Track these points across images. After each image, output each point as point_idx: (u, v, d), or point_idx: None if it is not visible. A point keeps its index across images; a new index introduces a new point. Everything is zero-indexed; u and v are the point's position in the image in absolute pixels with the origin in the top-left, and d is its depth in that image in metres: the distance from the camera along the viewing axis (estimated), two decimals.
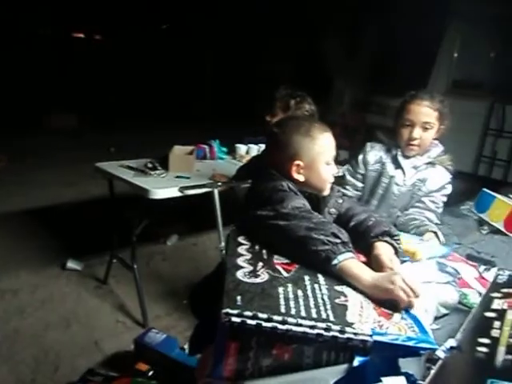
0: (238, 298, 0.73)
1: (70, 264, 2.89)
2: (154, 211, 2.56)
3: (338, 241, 0.90)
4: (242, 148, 3.11)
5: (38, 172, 4.93)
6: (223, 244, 2.21)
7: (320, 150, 1.15)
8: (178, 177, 2.47)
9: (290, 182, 1.10)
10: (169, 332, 2.25)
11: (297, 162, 1.14)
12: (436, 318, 1.14)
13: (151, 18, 9.23)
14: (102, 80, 8.51)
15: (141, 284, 2.48)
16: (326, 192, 1.19)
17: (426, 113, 1.68)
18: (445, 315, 1.17)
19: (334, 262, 0.87)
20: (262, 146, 3.16)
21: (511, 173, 5.02)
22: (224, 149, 3.10)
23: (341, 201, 1.25)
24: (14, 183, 4.53)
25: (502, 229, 1.75)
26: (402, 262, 1.21)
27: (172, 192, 2.24)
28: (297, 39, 8.46)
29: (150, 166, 2.56)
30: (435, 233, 1.53)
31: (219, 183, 2.32)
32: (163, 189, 2.22)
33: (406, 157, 1.78)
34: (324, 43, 8.22)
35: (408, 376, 0.74)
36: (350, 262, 0.89)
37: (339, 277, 0.88)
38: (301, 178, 1.15)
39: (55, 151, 5.81)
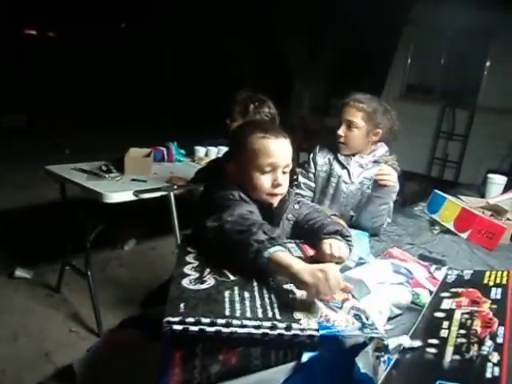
0: (181, 305, 0.70)
1: (19, 272, 2.74)
2: (110, 215, 2.47)
3: (267, 236, 0.88)
4: (200, 150, 3.07)
5: None
6: None
7: (250, 155, 1.09)
8: (133, 180, 2.39)
9: (241, 191, 1.07)
10: None
11: (230, 166, 1.13)
12: (389, 319, 1.16)
13: (109, 15, 8.98)
14: (54, 79, 8.18)
15: (95, 292, 2.38)
16: (274, 203, 1.14)
17: (349, 112, 1.79)
18: (398, 315, 1.18)
19: (265, 254, 0.84)
20: (222, 149, 3.14)
21: (462, 174, 5.25)
22: (182, 151, 3.05)
23: (297, 206, 1.24)
24: None
25: (452, 229, 1.81)
26: (359, 263, 1.22)
27: (127, 196, 2.17)
28: (257, 40, 8.49)
29: (104, 168, 2.48)
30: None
31: (175, 186, 2.27)
32: (117, 192, 2.15)
33: (348, 156, 1.85)
34: (284, 45, 8.31)
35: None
36: (280, 253, 0.85)
37: (270, 269, 0.85)
38: (235, 182, 1.11)
39: (4, 152, 5.51)
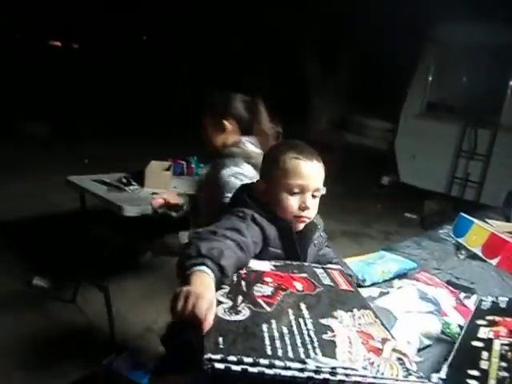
0: (220, 339, 0.67)
1: (36, 281, 2.75)
2: (128, 227, 2.47)
3: (196, 254, 0.84)
4: None
5: (3, 181, 4.72)
6: None
7: (281, 173, 1.07)
8: (153, 193, 2.39)
9: (259, 212, 1.05)
10: (137, 356, 2.15)
11: (260, 181, 1.13)
12: (419, 350, 1.11)
13: (131, 28, 9.18)
14: (77, 89, 8.35)
15: (111, 304, 2.36)
16: (298, 227, 1.10)
17: None
18: (427, 346, 1.14)
19: (189, 272, 0.81)
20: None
21: (483, 194, 5.14)
22: (201, 165, 3.04)
23: (324, 235, 1.22)
24: None
25: (480, 254, 1.75)
26: (383, 293, 1.18)
27: (146, 210, 2.16)
28: (275, 54, 8.56)
29: (124, 181, 2.49)
30: None
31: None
32: (137, 206, 2.14)
33: None
34: (303, 60, 8.36)
35: None
36: (198, 273, 0.80)
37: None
38: (263, 199, 1.10)
39: (26, 160, 5.61)
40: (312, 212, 1.10)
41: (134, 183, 2.46)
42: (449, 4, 5.32)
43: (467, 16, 4.95)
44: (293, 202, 1.08)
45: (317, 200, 1.11)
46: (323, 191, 1.12)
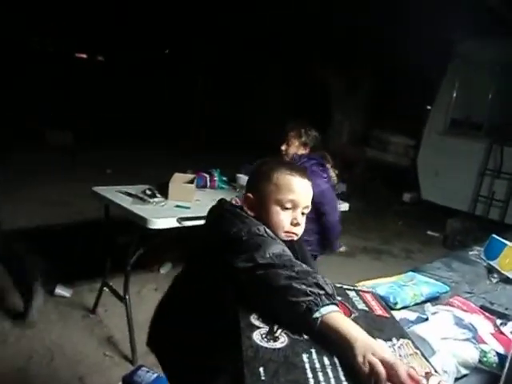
0: (261, 370, 0.65)
1: (59, 290, 2.77)
2: (150, 239, 2.47)
3: (322, 292, 0.81)
4: (242, 178, 3.05)
5: (29, 188, 4.82)
6: None
7: (274, 189, 1.08)
8: (177, 206, 2.39)
9: (264, 225, 1.03)
10: (158, 369, 2.12)
11: (248, 194, 1.12)
12: (456, 380, 1.06)
13: (154, 42, 9.37)
14: (101, 100, 8.53)
15: (132, 317, 2.36)
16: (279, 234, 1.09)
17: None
18: (464, 376, 1.09)
19: (316, 314, 0.77)
20: None
21: (508, 214, 5.01)
22: (224, 178, 3.05)
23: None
24: (4, 199, 4.41)
25: None
26: (421, 319, 1.14)
27: (170, 222, 2.17)
28: (295, 68, 8.59)
29: (148, 193, 2.50)
30: None
31: None
32: (162, 218, 2.15)
33: None
34: (324, 74, 8.37)
35: None
36: (335, 315, 0.78)
37: (321, 336, 0.76)
38: (251, 214, 1.09)
39: (51, 169, 5.72)
40: (301, 228, 1.12)
41: (158, 195, 2.47)
42: (475, 19, 5.28)
43: (493, 31, 4.89)
44: (285, 217, 1.09)
45: (304, 218, 1.14)
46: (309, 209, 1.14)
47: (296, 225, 1.09)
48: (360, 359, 0.69)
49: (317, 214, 2.16)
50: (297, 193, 1.09)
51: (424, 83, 6.66)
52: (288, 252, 0.96)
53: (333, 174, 2.34)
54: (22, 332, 2.39)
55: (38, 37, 8.39)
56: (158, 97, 9.22)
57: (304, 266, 0.91)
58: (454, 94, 5.51)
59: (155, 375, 1.92)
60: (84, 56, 9.71)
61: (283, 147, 2.30)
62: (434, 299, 1.39)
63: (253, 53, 8.57)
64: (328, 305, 0.79)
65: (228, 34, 8.29)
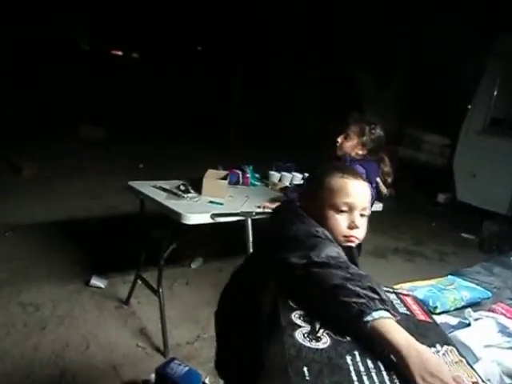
0: (305, 369, 0.65)
1: (94, 281, 2.85)
2: (183, 234, 2.51)
3: (376, 296, 0.80)
4: (275, 175, 3.05)
5: (65, 182, 4.98)
6: None
7: (327, 193, 1.08)
8: (211, 202, 2.41)
9: (324, 228, 1.03)
10: (189, 362, 2.17)
11: (303, 203, 1.13)
12: None
13: (187, 39, 9.47)
14: (134, 96, 8.69)
15: (164, 310, 2.40)
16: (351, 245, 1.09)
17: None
18: None
19: (368, 318, 0.76)
20: (296, 175, 3.10)
21: None
22: (257, 175, 3.05)
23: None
24: (42, 192, 4.58)
25: None
26: (465, 324, 1.11)
27: (205, 218, 2.19)
28: (328, 66, 8.49)
29: (182, 188, 2.52)
30: None
31: (253, 213, 2.25)
32: (196, 214, 2.17)
33: None
34: (355, 71, 8.24)
35: None
36: (387, 322, 0.77)
37: (369, 339, 0.75)
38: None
39: (83, 162, 5.88)
40: (361, 232, 1.10)
41: (191, 191, 2.50)
42: None
43: None
44: (341, 221, 1.07)
45: (365, 220, 1.11)
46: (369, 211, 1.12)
47: (354, 228, 1.07)
48: (419, 381, 0.68)
49: None
50: (351, 195, 1.07)
51: (461, 81, 6.46)
52: (343, 255, 0.95)
53: (381, 184, 2.15)
54: (59, 320, 2.47)
55: (85, 37, 8.66)
56: (194, 94, 9.30)
57: (358, 269, 0.91)
58: (495, 92, 5.31)
59: (187, 368, 1.95)
60: (119, 53, 9.92)
61: (339, 139, 2.11)
62: (474, 305, 1.35)
63: (288, 52, 8.54)
64: (381, 310, 0.78)
65: (265, 34, 8.30)
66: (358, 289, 0.80)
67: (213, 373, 2.22)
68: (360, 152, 2.09)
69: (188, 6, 8.39)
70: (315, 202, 1.10)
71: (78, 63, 8.30)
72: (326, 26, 7.66)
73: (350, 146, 2.08)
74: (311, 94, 9.09)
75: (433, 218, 5.58)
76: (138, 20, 8.67)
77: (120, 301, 2.77)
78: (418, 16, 6.62)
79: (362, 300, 0.78)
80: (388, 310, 0.80)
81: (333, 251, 0.92)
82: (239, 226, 2.35)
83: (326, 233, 1.01)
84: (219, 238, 3.34)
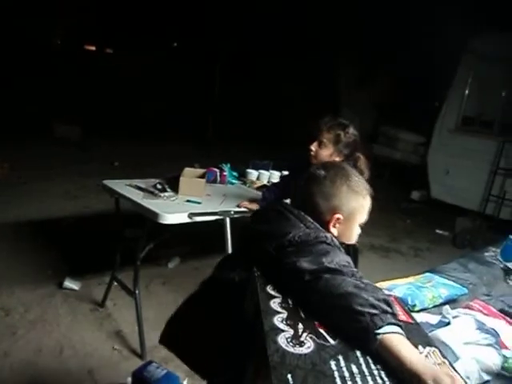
0: (289, 377, 0.63)
1: (67, 283, 2.76)
2: (160, 233, 2.46)
3: (390, 310, 0.80)
4: (253, 173, 3.03)
5: (38, 182, 4.83)
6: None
7: (360, 208, 1.12)
8: (188, 201, 2.37)
9: (331, 235, 1.03)
10: (167, 365, 2.13)
11: (337, 216, 1.08)
12: None
13: (162, 35, 9.34)
14: (108, 93, 8.51)
15: (141, 311, 2.35)
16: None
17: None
18: (486, 382, 1.06)
19: (379, 330, 0.76)
20: (274, 173, 3.09)
21: None
22: (235, 173, 3.02)
23: None
24: (13, 192, 4.42)
25: None
26: (444, 323, 1.12)
27: (182, 218, 2.15)
28: (304, 62, 8.53)
29: (159, 187, 2.47)
30: None
31: (232, 212, 2.23)
32: (173, 214, 2.13)
33: None
34: (333, 69, 8.31)
35: None
36: (397, 337, 0.77)
37: (376, 352, 0.75)
38: (334, 233, 1.09)
39: (58, 162, 5.73)
40: None
41: (168, 190, 2.45)
42: (488, 13, 5.19)
43: (508, 26, 4.81)
44: (357, 232, 1.16)
45: None
46: None
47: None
48: None
49: None
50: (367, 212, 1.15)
51: (434, 79, 6.59)
52: (352, 265, 0.96)
53: None
54: (31, 324, 2.39)
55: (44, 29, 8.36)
56: (167, 91, 9.17)
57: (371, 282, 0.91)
58: (467, 91, 5.43)
59: (165, 371, 1.91)
60: (93, 48, 9.70)
61: (313, 147, 1.94)
62: (452, 301, 1.37)
63: (272, 45, 8.51)
64: (393, 324, 0.78)
65: (246, 29, 8.27)
66: (372, 299, 0.80)
67: (191, 375, 2.19)
68: (337, 159, 1.95)
69: (165, 2, 8.26)
70: (348, 215, 1.10)
71: (51, 59, 8.06)
72: (303, 22, 7.68)
73: (326, 155, 1.94)
74: (291, 90, 9.08)
75: (408, 215, 5.68)
76: (113, 14, 8.49)
77: (95, 303, 2.70)
78: (398, 14, 6.71)
79: (375, 311, 0.78)
80: (400, 326, 0.79)
81: (343, 260, 0.93)
82: (216, 225, 2.32)
83: (335, 240, 1.02)
84: (196, 237, 3.30)
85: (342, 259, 0.92)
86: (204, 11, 8.36)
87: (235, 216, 2.24)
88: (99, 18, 8.56)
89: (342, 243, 1.06)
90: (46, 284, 2.79)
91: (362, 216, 1.12)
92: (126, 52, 9.43)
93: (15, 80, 7.38)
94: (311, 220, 1.03)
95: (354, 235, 1.14)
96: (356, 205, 1.10)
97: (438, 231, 5.21)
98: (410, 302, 1.26)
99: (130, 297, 2.44)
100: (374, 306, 0.78)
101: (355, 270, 0.91)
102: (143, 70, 9.23)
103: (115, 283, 2.63)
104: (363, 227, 1.18)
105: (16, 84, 7.35)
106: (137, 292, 2.34)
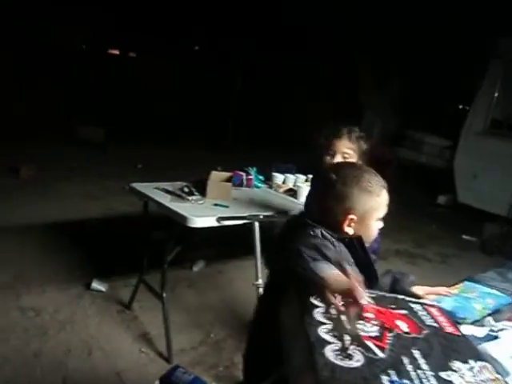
0: None
1: (95, 284, 2.80)
2: (187, 236, 2.46)
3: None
4: (279, 177, 3.01)
5: (63, 183, 4.91)
6: (261, 281, 2.09)
7: (376, 206, 1.12)
8: (215, 204, 2.37)
9: (328, 232, 1.06)
10: (194, 369, 2.13)
11: (351, 216, 1.10)
12: None
13: (184, 39, 9.42)
14: (131, 95, 8.61)
15: (167, 314, 2.35)
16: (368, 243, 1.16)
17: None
18: None
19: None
20: (299, 176, 3.06)
21: None
22: (261, 177, 3.01)
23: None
24: (40, 194, 4.51)
25: None
26: (492, 337, 1.08)
27: (210, 221, 2.14)
28: (326, 64, 8.47)
29: (186, 190, 2.48)
30: None
31: (261, 216, 2.21)
32: (202, 217, 2.13)
33: None
34: (355, 70, 8.23)
35: None
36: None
37: None
38: (350, 232, 1.10)
39: (82, 163, 5.82)
40: None
41: (196, 193, 2.45)
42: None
43: None
44: (377, 227, 1.17)
45: None
46: None
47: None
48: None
49: None
50: (386, 205, 1.15)
51: (462, 82, 6.46)
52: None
53: None
54: (61, 325, 2.42)
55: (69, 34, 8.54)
56: (194, 95, 9.23)
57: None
58: (496, 94, 5.30)
59: (192, 376, 1.90)
60: (116, 52, 9.85)
61: (327, 155, 1.79)
62: (495, 312, 1.32)
63: (292, 52, 8.51)
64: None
65: (265, 34, 8.27)
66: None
67: (217, 380, 2.19)
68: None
69: (185, 5, 8.33)
70: (361, 215, 1.10)
71: (75, 63, 8.22)
72: (326, 24, 7.63)
73: None
74: (310, 93, 9.04)
75: (433, 220, 5.56)
76: (135, 19, 8.61)
77: (122, 305, 2.72)
78: (417, 17, 6.61)
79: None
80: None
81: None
82: (242, 228, 2.31)
83: (337, 242, 1.07)
84: (222, 240, 3.29)
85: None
86: (226, 15, 8.40)
87: (264, 220, 2.22)
88: (122, 23, 8.69)
89: (345, 237, 1.09)
90: (75, 285, 2.83)
91: (379, 212, 1.13)
92: (149, 56, 9.54)
93: (42, 84, 7.54)
94: (317, 226, 1.08)
95: (372, 231, 1.15)
96: (370, 204, 1.10)
97: (464, 237, 5.09)
98: (460, 316, 1.21)
99: (155, 299, 2.45)
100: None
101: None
102: (165, 72, 9.33)
103: (142, 285, 2.64)
104: (388, 232, 1.19)
105: (42, 88, 7.51)
106: (164, 295, 2.34)
